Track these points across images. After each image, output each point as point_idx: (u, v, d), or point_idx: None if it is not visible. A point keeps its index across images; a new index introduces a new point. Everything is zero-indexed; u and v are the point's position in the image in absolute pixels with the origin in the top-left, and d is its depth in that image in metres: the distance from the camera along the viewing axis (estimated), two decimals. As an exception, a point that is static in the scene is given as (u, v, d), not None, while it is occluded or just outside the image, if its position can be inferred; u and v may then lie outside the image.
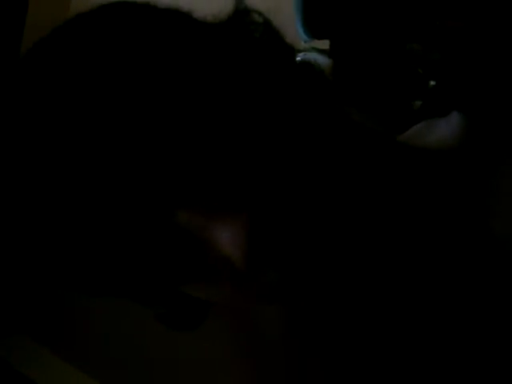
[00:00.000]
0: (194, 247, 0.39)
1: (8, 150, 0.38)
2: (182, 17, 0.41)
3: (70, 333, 1.56)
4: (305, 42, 0.91)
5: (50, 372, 1.55)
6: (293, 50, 0.44)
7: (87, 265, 0.40)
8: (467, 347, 0.45)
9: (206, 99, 0.37)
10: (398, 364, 0.47)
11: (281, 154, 0.39)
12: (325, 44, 0.91)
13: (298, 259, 0.39)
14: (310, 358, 0.53)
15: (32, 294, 1.55)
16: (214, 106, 0.37)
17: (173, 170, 0.36)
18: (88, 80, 0.36)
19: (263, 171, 0.38)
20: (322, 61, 0.87)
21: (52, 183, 0.37)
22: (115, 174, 0.36)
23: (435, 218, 0.45)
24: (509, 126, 0.57)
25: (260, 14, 0.43)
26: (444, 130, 0.49)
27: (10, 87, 0.38)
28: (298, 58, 0.53)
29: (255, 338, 0.64)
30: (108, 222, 0.37)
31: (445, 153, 0.47)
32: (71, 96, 0.36)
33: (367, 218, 0.41)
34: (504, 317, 0.44)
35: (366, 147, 0.45)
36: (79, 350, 1.52)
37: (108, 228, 0.37)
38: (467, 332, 0.45)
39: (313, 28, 0.93)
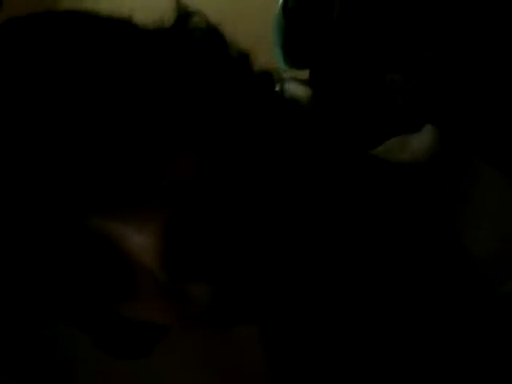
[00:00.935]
0: (114, 257, 0.34)
1: None
2: (120, 25, 0.39)
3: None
4: (284, 71, 0.90)
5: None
6: (246, 56, 0.41)
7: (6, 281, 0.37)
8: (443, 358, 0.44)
9: (124, 98, 0.34)
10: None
11: (206, 151, 0.35)
12: (304, 74, 0.91)
13: (228, 269, 0.35)
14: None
15: None
16: (133, 103, 0.35)
17: (80, 169, 0.33)
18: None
19: (179, 171, 0.34)
20: (302, 90, 0.87)
21: None
22: (18, 176, 0.33)
23: (407, 234, 0.43)
24: (482, 140, 0.56)
25: (204, 16, 0.40)
26: (417, 144, 0.48)
27: None
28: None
29: (236, 370, 0.60)
30: (18, 232, 0.34)
31: (417, 167, 0.45)
32: None
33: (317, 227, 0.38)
34: (476, 336, 0.43)
35: (329, 155, 0.43)
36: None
37: (20, 239, 0.34)
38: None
39: (293, 57, 0.92)
